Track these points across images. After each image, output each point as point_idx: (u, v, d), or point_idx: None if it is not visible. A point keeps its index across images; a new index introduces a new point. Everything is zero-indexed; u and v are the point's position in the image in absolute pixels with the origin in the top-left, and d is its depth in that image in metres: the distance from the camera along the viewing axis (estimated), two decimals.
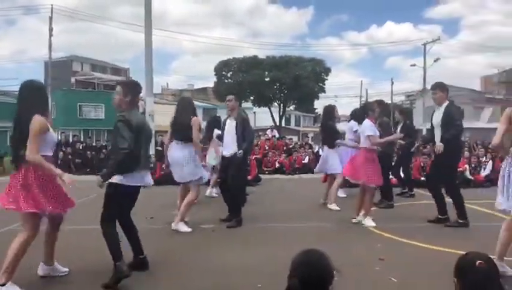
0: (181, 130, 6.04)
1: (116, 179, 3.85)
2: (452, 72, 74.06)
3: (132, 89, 4.10)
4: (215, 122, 9.34)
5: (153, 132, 15.18)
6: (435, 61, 38.18)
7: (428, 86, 40.17)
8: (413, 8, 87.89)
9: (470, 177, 11.59)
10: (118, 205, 3.98)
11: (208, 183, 9.40)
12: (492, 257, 2.16)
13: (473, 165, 12.09)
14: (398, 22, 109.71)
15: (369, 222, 6.33)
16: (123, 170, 3.82)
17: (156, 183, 10.86)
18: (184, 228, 6.05)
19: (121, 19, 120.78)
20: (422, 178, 10.56)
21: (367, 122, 6.47)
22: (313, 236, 5.73)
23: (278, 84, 38.98)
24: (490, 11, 74.74)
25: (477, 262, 1.95)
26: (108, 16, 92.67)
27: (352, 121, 8.75)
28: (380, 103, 7.33)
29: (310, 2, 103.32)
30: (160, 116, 18.60)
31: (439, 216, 6.46)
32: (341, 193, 8.76)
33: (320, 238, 5.56)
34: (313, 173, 13.88)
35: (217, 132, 9.08)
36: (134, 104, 4.05)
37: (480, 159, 12.44)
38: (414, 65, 40.15)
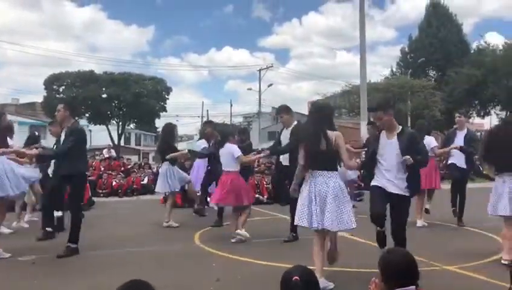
0: None
1: None
2: (283, 97, 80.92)
3: None
4: (32, 139, 8.48)
5: None
6: (268, 86, 41.43)
7: (263, 109, 43.17)
8: (249, 36, 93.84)
9: None
10: None
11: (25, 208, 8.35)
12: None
13: None
14: (235, 47, 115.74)
15: (244, 233, 6.46)
16: None
17: None
18: None
19: None
20: (257, 195, 11.10)
21: (231, 145, 6.50)
22: (149, 261, 5.48)
23: (116, 102, 37.44)
24: (314, 44, 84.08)
25: (294, 278, 2.08)
26: None
27: (202, 140, 8.82)
28: (209, 122, 7.66)
29: (150, 21, 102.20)
30: None
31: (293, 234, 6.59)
32: None
33: (157, 263, 5.37)
34: (152, 193, 13.54)
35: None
36: None
37: None
38: (250, 89, 43.30)
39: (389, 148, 4.58)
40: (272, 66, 41.78)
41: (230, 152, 6.46)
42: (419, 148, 4.64)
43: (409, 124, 31.21)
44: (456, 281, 4.61)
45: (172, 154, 7.94)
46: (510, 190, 5.07)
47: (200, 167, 8.91)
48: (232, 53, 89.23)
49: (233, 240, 6.46)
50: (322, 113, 4.54)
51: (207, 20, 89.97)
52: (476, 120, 38.90)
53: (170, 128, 8.19)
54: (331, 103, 35.03)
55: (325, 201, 4.22)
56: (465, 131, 7.79)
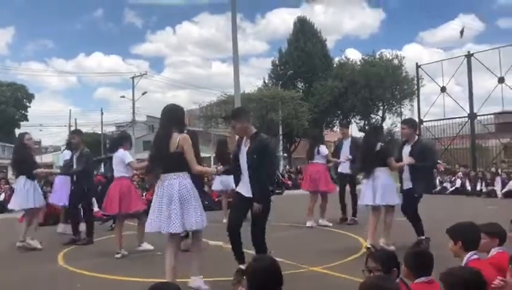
0: None
1: None
2: (158, 105, 78.91)
3: None
4: None
5: None
6: (142, 94, 40.33)
7: (138, 118, 41.85)
8: (121, 43, 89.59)
9: None
10: None
11: None
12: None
13: None
14: (106, 53, 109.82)
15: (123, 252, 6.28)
16: None
17: None
18: None
19: None
20: None
21: (123, 151, 6.41)
22: (7, 288, 4.97)
23: None
24: (189, 53, 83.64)
25: None
26: None
27: (67, 151, 8.20)
28: (77, 132, 7.85)
29: (10, 22, 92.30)
30: None
31: None
32: None
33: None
34: (9, 211, 12.20)
35: None
36: None
37: None
38: (123, 97, 41.59)
39: (244, 155, 4.67)
40: (146, 74, 40.74)
41: (120, 158, 6.38)
42: (265, 154, 4.60)
43: (280, 132, 33.05)
44: (321, 281, 4.89)
45: (38, 170, 7.34)
46: (372, 183, 5.92)
47: (63, 183, 8.19)
48: (103, 59, 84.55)
49: (117, 256, 6.17)
50: (169, 115, 4.42)
51: (74, 24, 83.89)
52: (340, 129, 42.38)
53: (21, 137, 7.40)
54: (208, 112, 35.46)
55: (171, 204, 4.15)
56: (349, 140, 8.77)
